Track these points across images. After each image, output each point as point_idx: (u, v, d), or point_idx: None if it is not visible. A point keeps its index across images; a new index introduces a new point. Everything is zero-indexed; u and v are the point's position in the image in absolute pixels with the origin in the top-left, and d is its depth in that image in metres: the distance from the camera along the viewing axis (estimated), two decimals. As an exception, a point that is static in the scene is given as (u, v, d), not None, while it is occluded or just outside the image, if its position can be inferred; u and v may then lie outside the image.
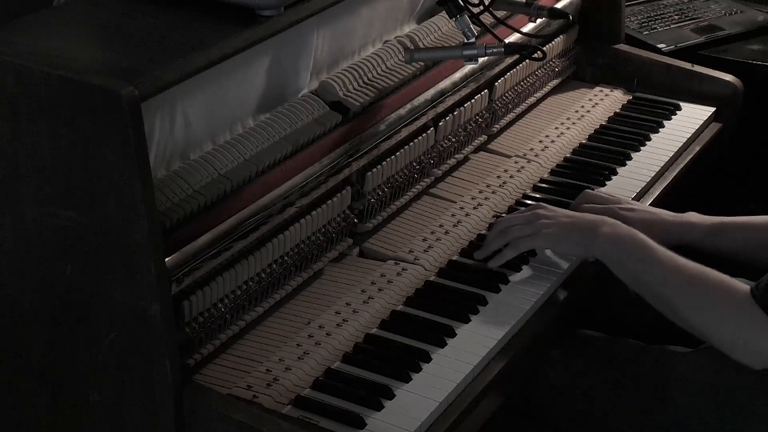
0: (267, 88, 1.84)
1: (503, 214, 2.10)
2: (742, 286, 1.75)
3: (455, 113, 2.16)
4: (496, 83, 2.29)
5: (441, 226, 2.06)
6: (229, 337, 1.73)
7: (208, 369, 1.69)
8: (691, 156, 2.37)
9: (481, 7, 2.01)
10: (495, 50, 1.92)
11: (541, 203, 2.00)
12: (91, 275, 1.56)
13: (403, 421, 1.61)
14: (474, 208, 2.11)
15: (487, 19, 2.05)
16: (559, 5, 2.45)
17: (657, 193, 2.24)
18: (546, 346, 1.94)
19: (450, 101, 2.14)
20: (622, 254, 1.85)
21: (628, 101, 2.56)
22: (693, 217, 2.04)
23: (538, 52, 2.04)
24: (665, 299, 1.80)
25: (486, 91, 2.27)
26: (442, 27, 2.14)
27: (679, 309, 1.78)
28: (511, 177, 2.22)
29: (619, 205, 2.05)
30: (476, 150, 2.29)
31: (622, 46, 2.63)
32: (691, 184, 2.37)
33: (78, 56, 1.56)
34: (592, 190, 2.15)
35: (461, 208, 2.11)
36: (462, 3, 1.90)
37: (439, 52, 2.02)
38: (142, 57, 1.57)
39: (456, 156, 2.22)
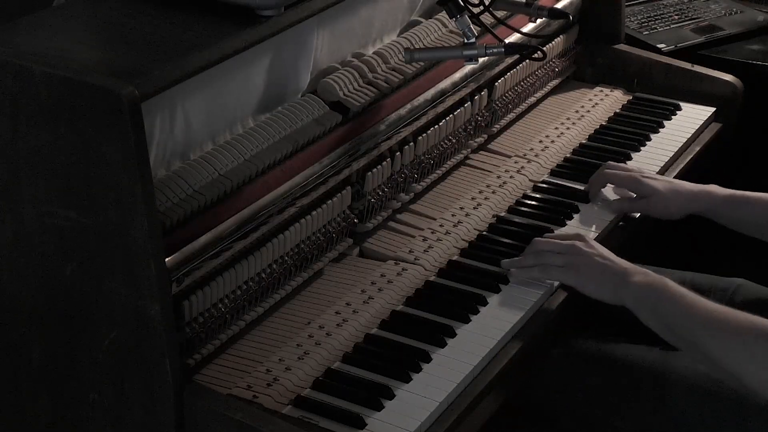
0: (267, 88, 1.84)
1: (503, 214, 2.10)
2: None
3: (455, 113, 2.16)
4: (496, 83, 2.29)
5: (441, 226, 2.05)
6: (229, 337, 1.73)
7: (208, 369, 1.69)
8: (691, 156, 2.37)
9: (481, 7, 2.01)
10: (495, 50, 1.92)
11: (581, 234, 1.96)
12: (91, 275, 1.56)
13: (403, 421, 1.61)
14: (474, 208, 2.11)
15: (487, 19, 2.05)
16: (559, 5, 2.45)
17: (657, 193, 2.24)
18: (546, 346, 1.94)
19: (450, 101, 2.14)
20: (653, 302, 1.79)
21: (628, 101, 2.56)
22: (713, 187, 2.10)
23: (538, 52, 2.04)
24: (698, 345, 1.75)
25: (486, 91, 2.27)
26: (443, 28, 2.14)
27: (713, 354, 1.72)
28: (511, 177, 2.22)
29: (642, 174, 2.14)
30: (476, 150, 2.29)
31: (622, 46, 2.63)
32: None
33: (78, 56, 1.56)
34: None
35: (461, 208, 2.11)
36: (462, 3, 1.90)
37: (439, 52, 2.01)
38: (142, 57, 1.57)
39: (456, 156, 2.22)
